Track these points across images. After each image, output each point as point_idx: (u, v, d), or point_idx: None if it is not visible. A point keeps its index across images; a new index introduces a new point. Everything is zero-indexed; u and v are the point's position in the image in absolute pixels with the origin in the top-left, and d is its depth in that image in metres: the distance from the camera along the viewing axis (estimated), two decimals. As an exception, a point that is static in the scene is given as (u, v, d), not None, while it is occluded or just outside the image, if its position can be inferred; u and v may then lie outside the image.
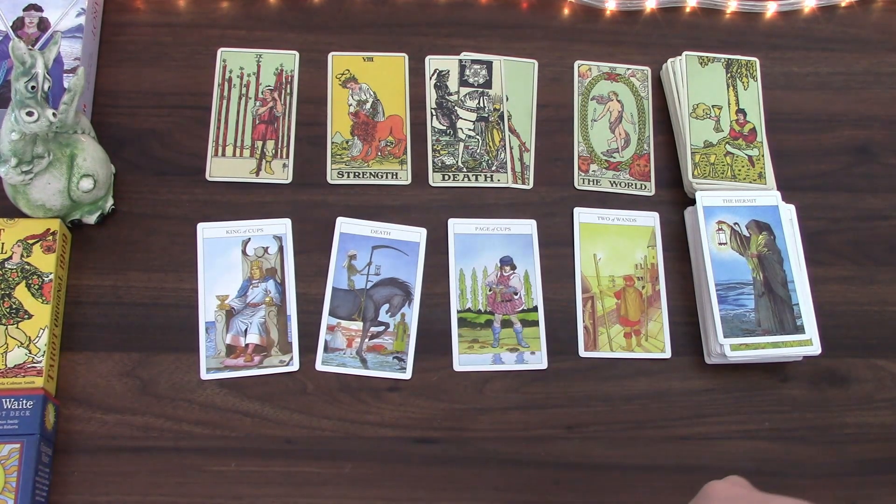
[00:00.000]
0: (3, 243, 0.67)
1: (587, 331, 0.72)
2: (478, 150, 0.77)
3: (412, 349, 0.70)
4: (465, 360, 0.70)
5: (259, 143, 0.75)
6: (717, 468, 0.68)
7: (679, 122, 0.78)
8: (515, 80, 0.80)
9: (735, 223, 0.73)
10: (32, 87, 0.61)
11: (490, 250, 0.73)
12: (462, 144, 0.77)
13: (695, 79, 0.78)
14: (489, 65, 0.80)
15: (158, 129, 0.75)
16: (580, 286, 0.73)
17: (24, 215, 0.68)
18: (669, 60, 0.80)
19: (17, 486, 0.59)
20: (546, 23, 0.82)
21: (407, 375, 0.69)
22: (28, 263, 0.67)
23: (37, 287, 0.66)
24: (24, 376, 0.63)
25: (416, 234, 0.73)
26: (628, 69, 0.81)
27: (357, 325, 0.70)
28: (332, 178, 0.75)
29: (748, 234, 0.73)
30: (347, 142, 0.76)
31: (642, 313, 0.73)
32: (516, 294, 0.72)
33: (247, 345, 0.69)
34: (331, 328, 0.70)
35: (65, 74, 0.72)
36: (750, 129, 0.77)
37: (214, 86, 0.77)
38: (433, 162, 0.76)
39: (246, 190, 0.73)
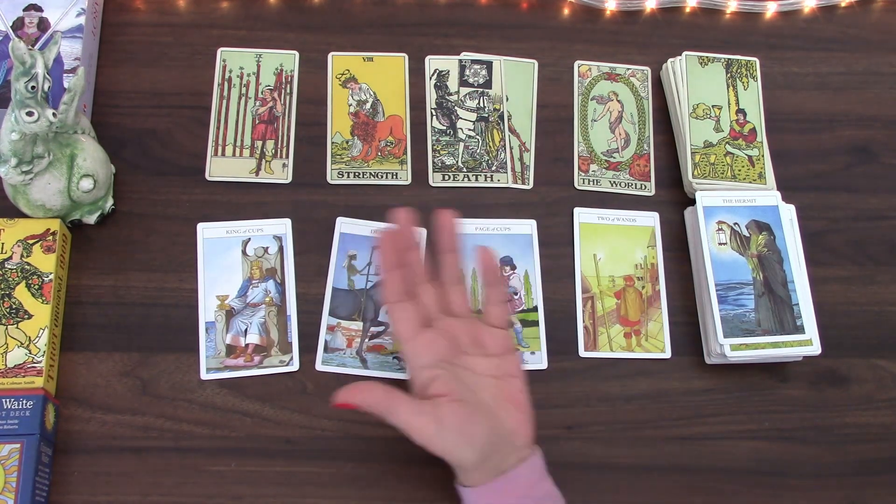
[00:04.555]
0: (3, 243, 0.67)
1: (587, 331, 0.72)
2: (478, 150, 0.77)
3: (412, 349, 0.70)
4: (465, 360, 0.70)
5: (259, 143, 0.75)
6: (717, 468, 0.69)
7: (679, 122, 0.78)
8: (515, 80, 0.80)
9: (735, 223, 0.73)
10: (32, 87, 0.61)
11: (490, 250, 0.73)
12: (462, 144, 0.77)
13: (695, 79, 0.78)
14: (489, 65, 0.80)
15: (158, 129, 0.75)
16: (580, 286, 0.73)
17: (24, 215, 0.68)
18: (669, 60, 0.80)
19: (17, 486, 0.59)
20: (546, 23, 0.83)
21: (407, 375, 0.69)
22: (28, 263, 0.67)
23: (37, 287, 0.66)
24: (24, 376, 0.63)
25: (417, 235, 0.73)
26: (628, 69, 0.81)
27: (357, 325, 0.70)
28: (332, 178, 0.75)
29: (748, 234, 0.73)
30: (347, 142, 0.76)
31: (642, 313, 0.73)
32: (516, 294, 0.72)
33: (247, 345, 0.69)
34: (331, 328, 0.70)
35: (65, 74, 0.72)
36: (750, 129, 0.77)
37: (214, 86, 0.77)
38: (433, 162, 0.76)
39: (246, 190, 0.74)
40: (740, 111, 0.78)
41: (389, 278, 0.60)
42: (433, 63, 0.80)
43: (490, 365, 0.61)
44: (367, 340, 0.70)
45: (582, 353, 0.71)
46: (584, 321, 0.72)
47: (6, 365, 0.64)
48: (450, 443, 0.57)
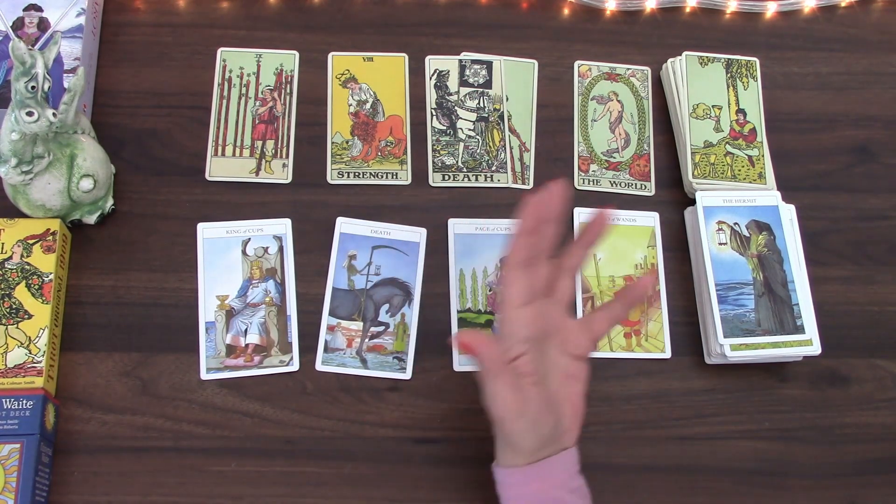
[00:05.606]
0: (3, 243, 0.67)
1: (587, 331, 0.72)
2: (478, 150, 0.77)
3: (412, 349, 0.70)
4: (466, 360, 0.70)
5: (259, 143, 0.75)
6: (717, 468, 0.69)
7: (679, 122, 0.78)
8: (515, 80, 0.80)
9: (735, 223, 0.73)
10: (32, 87, 0.61)
11: (490, 250, 0.73)
12: (462, 144, 0.77)
13: (695, 79, 0.78)
14: (489, 65, 0.80)
15: (158, 129, 0.75)
16: (580, 286, 0.73)
17: (24, 215, 0.68)
18: (669, 60, 0.80)
19: (17, 486, 0.59)
20: (546, 23, 0.83)
21: (407, 375, 0.69)
22: (28, 263, 0.67)
23: (37, 287, 0.66)
24: (24, 376, 0.63)
25: (416, 234, 0.73)
26: (628, 69, 0.81)
27: (357, 325, 0.70)
28: (332, 178, 0.75)
29: (748, 234, 0.73)
30: (347, 142, 0.76)
31: (642, 313, 0.73)
32: (516, 294, 0.72)
33: (247, 345, 0.69)
34: (331, 328, 0.70)
35: (65, 74, 0.72)
36: (750, 129, 0.77)
37: (214, 86, 0.77)
38: (433, 162, 0.76)
39: (246, 190, 0.73)
40: (740, 111, 0.78)
41: (519, 242, 0.57)
42: (433, 63, 0.80)
43: (565, 363, 0.60)
44: (367, 340, 0.70)
45: (582, 353, 0.71)
46: (584, 321, 0.72)
47: (6, 365, 0.64)
48: (522, 426, 0.56)
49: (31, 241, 0.67)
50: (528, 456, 0.58)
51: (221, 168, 0.74)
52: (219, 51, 0.78)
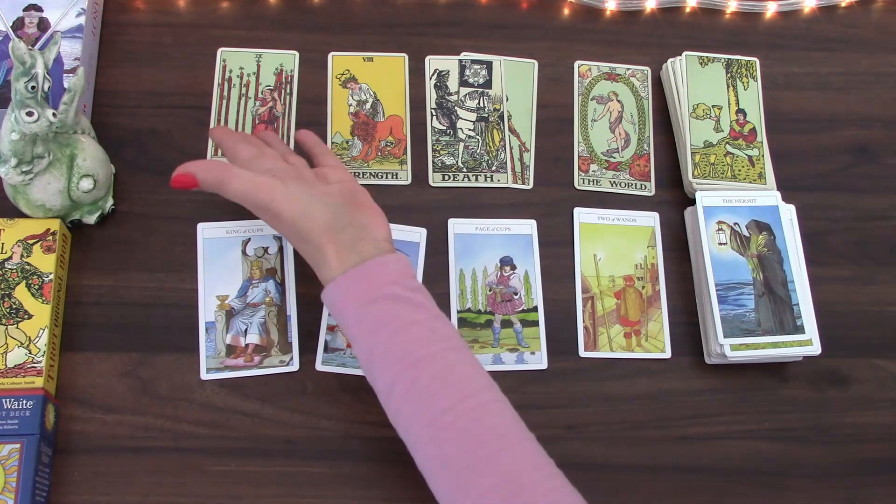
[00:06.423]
0: (3, 243, 0.67)
1: (587, 331, 0.72)
2: (478, 150, 0.77)
3: (412, 349, 0.69)
4: (465, 360, 0.70)
5: (259, 143, 0.75)
6: (717, 468, 0.69)
7: (679, 122, 0.78)
8: (515, 80, 0.80)
9: (735, 223, 0.73)
10: (32, 87, 0.61)
11: (490, 250, 0.73)
12: (462, 144, 0.77)
13: (695, 79, 0.78)
14: (489, 65, 0.80)
15: (158, 129, 0.75)
16: (580, 286, 0.73)
17: (24, 215, 0.68)
18: (669, 60, 0.80)
19: (17, 486, 0.59)
20: (546, 23, 0.83)
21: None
22: (28, 263, 0.67)
23: (37, 287, 0.66)
24: (24, 376, 0.63)
25: (416, 234, 0.73)
26: (628, 69, 0.81)
27: (357, 325, 0.70)
28: (332, 178, 0.74)
29: (748, 235, 0.73)
30: (347, 142, 0.76)
31: (642, 313, 0.73)
32: (516, 294, 0.72)
33: (247, 345, 0.69)
34: (331, 328, 0.70)
35: (65, 74, 0.72)
36: (750, 129, 0.77)
37: (214, 86, 0.77)
38: (433, 162, 0.76)
39: (246, 190, 0.73)
40: (740, 111, 0.78)
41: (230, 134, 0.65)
42: (433, 63, 0.80)
43: (333, 187, 0.62)
44: (367, 340, 0.70)
45: (582, 353, 0.71)
46: (584, 321, 0.72)
47: (6, 365, 0.64)
48: (296, 199, 0.55)
49: (31, 241, 0.67)
50: (337, 246, 0.56)
51: (221, 168, 0.74)
52: (219, 51, 0.78)
